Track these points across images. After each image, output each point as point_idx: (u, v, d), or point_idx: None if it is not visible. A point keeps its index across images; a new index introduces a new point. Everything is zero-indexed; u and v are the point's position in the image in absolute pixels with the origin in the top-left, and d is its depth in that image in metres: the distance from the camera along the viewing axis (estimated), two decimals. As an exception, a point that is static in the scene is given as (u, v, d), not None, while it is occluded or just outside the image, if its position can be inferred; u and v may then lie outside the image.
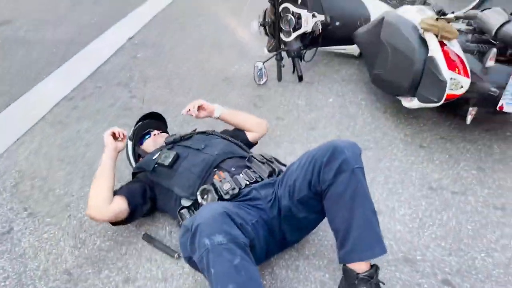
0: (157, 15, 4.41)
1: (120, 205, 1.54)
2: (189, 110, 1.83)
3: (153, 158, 1.69)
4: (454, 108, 2.27)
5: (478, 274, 1.48)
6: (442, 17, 2.10)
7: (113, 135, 1.73)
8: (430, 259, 1.54)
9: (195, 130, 1.91)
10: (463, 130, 2.31)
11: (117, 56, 3.46)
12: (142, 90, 2.89)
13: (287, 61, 2.95)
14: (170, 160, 1.63)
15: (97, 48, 3.62)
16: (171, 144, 1.77)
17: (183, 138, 1.79)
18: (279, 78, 2.96)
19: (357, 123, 2.43)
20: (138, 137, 1.92)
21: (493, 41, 2.17)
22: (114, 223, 1.58)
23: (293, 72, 2.99)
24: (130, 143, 1.91)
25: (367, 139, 2.28)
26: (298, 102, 2.68)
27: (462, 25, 2.45)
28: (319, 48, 3.13)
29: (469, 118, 2.07)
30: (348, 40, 2.87)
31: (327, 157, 1.29)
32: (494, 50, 1.95)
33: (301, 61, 2.99)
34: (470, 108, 2.05)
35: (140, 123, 1.98)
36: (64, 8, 4.73)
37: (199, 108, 1.87)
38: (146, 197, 1.64)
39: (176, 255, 1.55)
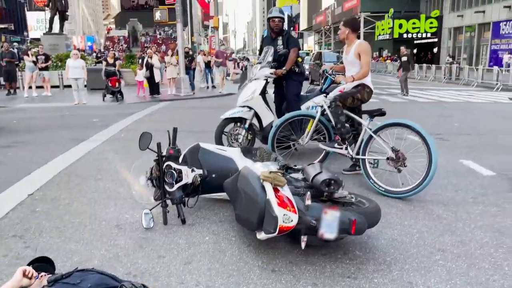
0: (61, 172, 4.87)
1: None
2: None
3: None
4: (296, 238, 2.92)
5: None
6: (276, 170, 2.89)
7: (24, 272, 2.01)
8: None
9: (76, 268, 2.27)
10: (307, 255, 2.93)
11: (15, 211, 3.74)
12: (37, 240, 3.17)
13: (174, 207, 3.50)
14: None
15: (-4, 205, 3.88)
16: (53, 282, 2.09)
17: (64, 276, 2.13)
18: (165, 222, 3.46)
19: (226, 256, 2.94)
20: None
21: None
22: None
23: (178, 216, 3.53)
24: None
25: (232, 268, 2.77)
26: (179, 241, 3.16)
27: (301, 175, 3.28)
28: (202, 196, 3.79)
29: (303, 244, 2.71)
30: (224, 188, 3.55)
31: None
32: (309, 192, 2.72)
33: (184, 207, 3.57)
34: (302, 236, 2.71)
35: (30, 266, 2.28)
36: (-33, 168, 4.99)
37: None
38: None
39: None
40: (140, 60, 14.72)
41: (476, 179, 4.72)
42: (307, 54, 30.49)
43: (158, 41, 41.00)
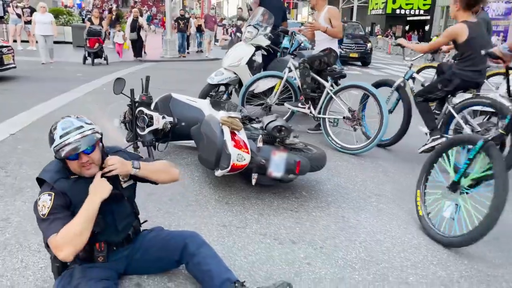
0: (43, 116, 5.14)
1: None
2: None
3: None
4: (248, 176, 3.29)
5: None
6: (234, 116, 3.22)
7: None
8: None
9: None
10: (259, 193, 3.31)
11: (-3, 147, 4.04)
12: (17, 172, 3.49)
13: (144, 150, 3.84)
14: None
15: (-21, 143, 4.16)
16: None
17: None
18: (136, 162, 3.80)
19: (187, 190, 3.31)
20: None
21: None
22: None
23: (148, 157, 3.86)
24: None
25: (191, 199, 3.15)
26: (147, 179, 3.51)
27: (260, 125, 3.63)
28: (173, 142, 4.13)
29: (253, 181, 3.08)
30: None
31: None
32: (260, 136, 3.09)
33: (155, 150, 3.91)
34: (253, 174, 3.08)
35: None
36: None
37: None
38: None
39: None
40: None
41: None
42: (302, 24, 30.28)
43: (149, 2, 40.19)
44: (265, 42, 5.37)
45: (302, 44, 4.88)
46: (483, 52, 3.23)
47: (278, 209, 3.07)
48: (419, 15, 36.39)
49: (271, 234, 2.70)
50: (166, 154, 4.09)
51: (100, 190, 1.86)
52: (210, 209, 3.03)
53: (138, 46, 13.32)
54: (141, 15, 14.99)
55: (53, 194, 1.84)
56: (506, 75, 3.39)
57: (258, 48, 5.40)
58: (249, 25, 5.41)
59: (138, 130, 3.79)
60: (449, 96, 3.96)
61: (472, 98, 3.77)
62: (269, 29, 5.37)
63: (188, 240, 2.09)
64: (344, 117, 4.44)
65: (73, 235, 1.74)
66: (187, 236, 2.13)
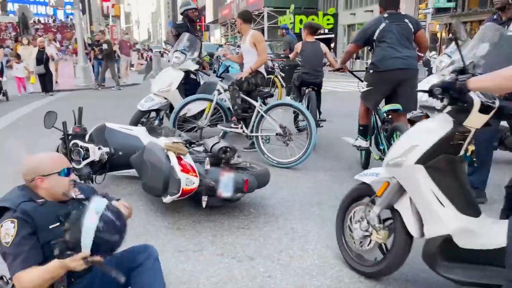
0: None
1: None
2: None
3: None
4: (199, 201, 3.33)
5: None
6: (178, 141, 3.26)
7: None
8: None
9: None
10: (209, 215, 3.36)
11: None
12: None
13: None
14: None
15: None
16: None
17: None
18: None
19: (134, 221, 3.22)
20: None
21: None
22: None
23: (86, 192, 3.71)
24: None
25: (140, 230, 3.10)
26: (89, 213, 3.37)
27: (202, 148, 3.69)
28: (111, 173, 4.00)
29: (203, 204, 3.13)
30: (131, 165, 3.80)
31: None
32: (207, 159, 3.16)
33: (92, 183, 3.76)
34: (203, 197, 3.13)
35: None
36: None
37: None
38: None
39: None
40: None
41: (354, 152, 5.55)
42: (221, 46, 30.78)
43: (52, 29, 38.11)
44: (194, 67, 5.47)
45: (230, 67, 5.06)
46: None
47: (230, 229, 3.14)
48: (324, 33, 38.97)
49: (228, 254, 2.77)
50: (104, 186, 3.94)
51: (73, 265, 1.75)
52: (162, 236, 3.01)
53: (47, 79, 11.78)
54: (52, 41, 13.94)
55: (16, 221, 1.76)
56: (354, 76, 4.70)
57: (187, 72, 5.48)
58: (176, 51, 5.46)
59: (73, 164, 3.63)
60: (303, 89, 5.69)
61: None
62: (196, 53, 5.50)
63: (139, 251, 2.11)
64: (276, 134, 4.67)
65: (36, 285, 1.73)
66: (139, 249, 2.14)
